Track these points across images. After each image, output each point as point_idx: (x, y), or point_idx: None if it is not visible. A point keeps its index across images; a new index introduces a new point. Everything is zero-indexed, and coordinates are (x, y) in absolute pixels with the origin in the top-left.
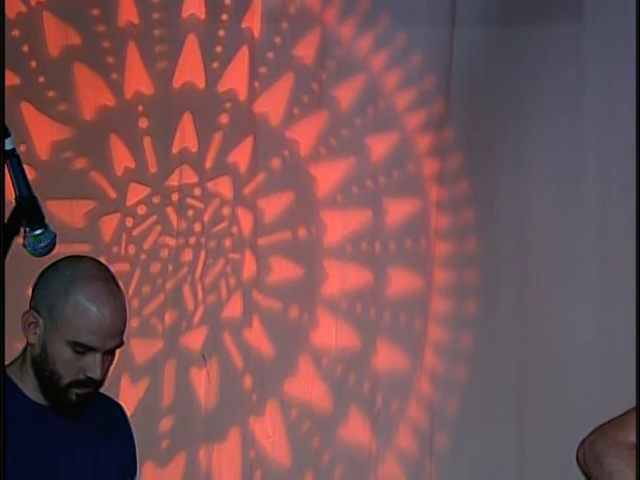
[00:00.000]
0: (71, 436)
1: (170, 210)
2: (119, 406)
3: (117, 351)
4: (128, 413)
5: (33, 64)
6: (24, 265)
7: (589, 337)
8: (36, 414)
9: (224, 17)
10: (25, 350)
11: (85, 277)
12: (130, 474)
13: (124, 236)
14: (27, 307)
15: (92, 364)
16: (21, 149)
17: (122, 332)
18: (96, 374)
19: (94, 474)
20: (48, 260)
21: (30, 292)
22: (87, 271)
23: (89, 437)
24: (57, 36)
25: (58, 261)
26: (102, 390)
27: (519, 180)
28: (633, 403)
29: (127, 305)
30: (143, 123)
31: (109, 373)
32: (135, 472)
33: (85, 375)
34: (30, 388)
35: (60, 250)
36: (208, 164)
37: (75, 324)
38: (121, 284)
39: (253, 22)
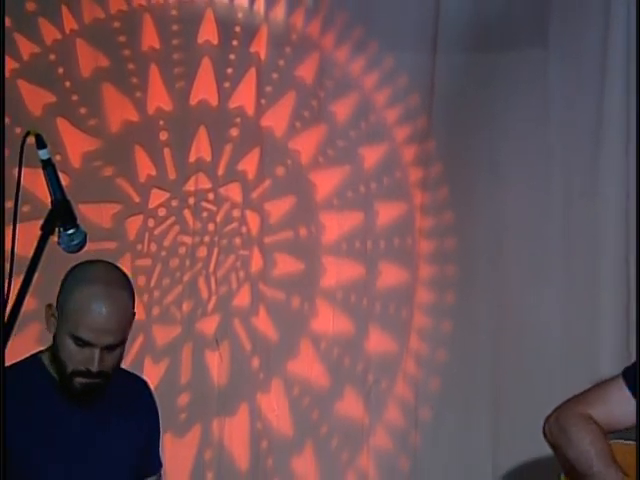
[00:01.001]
0: (88, 416)
1: (187, 212)
2: (145, 383)
3: (137, 335)
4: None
5: (67, 84)
6: (58, 260)
7: (554, 323)
8: (56, 394)
9: (234, 43)
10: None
11: (89, 279)
12: (153, 441)
13: (147, 235)
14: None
15: (90, 357)
16: (56, 159)
17: (119, 331)
18: (93, 367)
19: (110, 451)
20: (79, 256)
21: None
22: (93, 274)
23: (106, 416)
24: (88, 60)
25: (78, 264)
26: (129, 369)
27: (493, 186)
28: (591, 381)
29: (148, 297)
30: (163, 136)
31: (116, 364)
32: (158, 439)
33: (85, 367)
34: (54, 371)
35: (90, 247)
36: (220, 172)
37: (76, 320)
38: (132, 289)
39: (260, 47)
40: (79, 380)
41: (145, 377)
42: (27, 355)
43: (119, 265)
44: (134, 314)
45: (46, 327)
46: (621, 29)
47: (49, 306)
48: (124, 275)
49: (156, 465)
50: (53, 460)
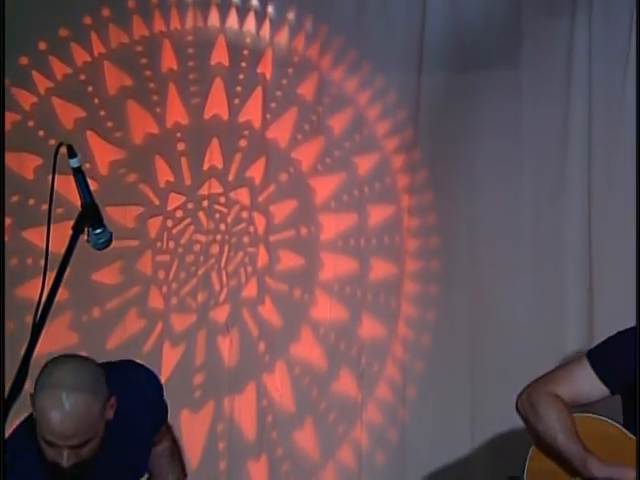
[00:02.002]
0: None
1: (201, 214)
2: (145, 375)
3: (157, 323)
4: (159, 376)
5: (96, 101)
6: (88, 256)
7: (524, 311)
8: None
9: (243, 64)
10: None
11: (52, 385)
12: (159, 425)
13: (165, 234)
14: (88, 288)
15: (58, 456)
16: (86, 167)
17: (80, 433)
18: (63, 464)
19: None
20: (105, 253)
21: (100, 278)
22: (57, 379)
23: (108, 454)
24: (114, 79)
25: (52, 359)
26: (149, 354)
27: (471, 191)
28: (557, 361)
29: (167, 289)
30: (180, 146)
31: (95, 449)
32: (164, 420)
33: (55, 461)
34: None
35: (116, 245)
36: (230, 178)
37: (40, 422)
38: (101, 387)
39: (265, 68)
40: (57, 471)
41: (162, 361)
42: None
43: (139, 261)
44: (103, 411)
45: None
46: (584, 51)
47: (32, 395)
48: (93, 373)
49: (163, 424)
50: None
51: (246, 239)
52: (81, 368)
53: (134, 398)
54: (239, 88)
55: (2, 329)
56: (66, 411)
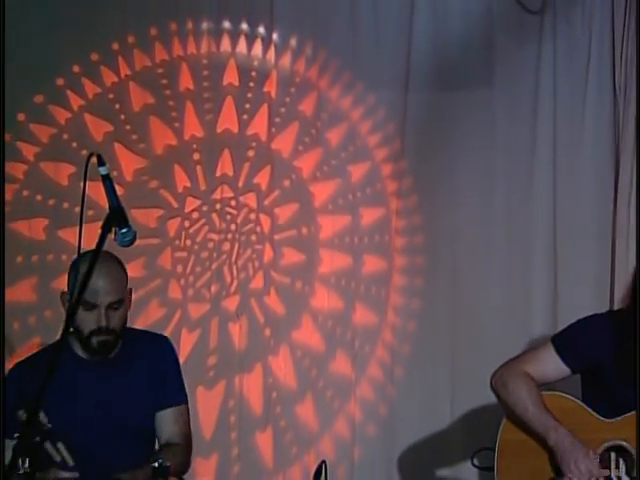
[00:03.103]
0: (111, 371)
1: (214, 215)
2: (163, 337)
3: (176, 311)
4: (175, 347)
5: (122, 117)
6: (115, 252)
7: (497, 300)
8: (79, 363)
9: (251, 84)
10: None
11: (86, 257)
12: (169, 378)
13: (183, 233)
14: None
15: (97, 316)
16: (114, 174)
17: (116, 291)
18: (102, 323)
19: (125, 401)
20: (130, 249)
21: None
22: (86, 256)
23: (121, 374)
24: (138, 98)
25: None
26: (169, 337)
27: (452, 196)
28: (526, 344)
29: (184, 282)
30: (196, 156)
31: (122, 322)
32: (177, 378)
33: (96, 325)
34: (77, 346)
35: (139, 243)
36: (240, 184)
37: (80, 287)
38: (124, 266)
39: (271, 88)
40: (95, 339)
41: (180, 344)
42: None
43: (160, 257)
44: (127, 284)
45: (63, 308)
46: (549, 74)
47: (63, 292)
48: (116, 257)
49: (175, 399)
50: (78, 412)
51: (254, 237)
52: (104, 252)
53: (155, 352)
54: (247, 105)
55: (2, 329)
56: (105, 271)
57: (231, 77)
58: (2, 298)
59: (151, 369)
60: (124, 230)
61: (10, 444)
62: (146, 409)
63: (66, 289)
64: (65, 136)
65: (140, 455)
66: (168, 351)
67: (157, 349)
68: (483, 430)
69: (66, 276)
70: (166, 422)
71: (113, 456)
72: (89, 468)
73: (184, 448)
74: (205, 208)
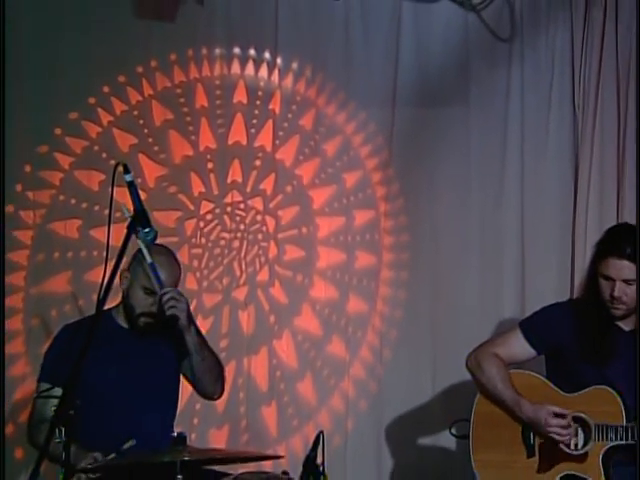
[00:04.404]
0: (142, 346)
1: (226, 217)
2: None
3: (192, 300)
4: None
5: (145, 131)
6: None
7: (473, 291)
8: (122, 332)
9: (258, 102)
10: (122, 296)
11: (155, 251)
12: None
13: (198, 232)
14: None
15: (153, 302)
16: (138, 181)
17: (173, 283)
18: (154, 309)
19: (157, 369)
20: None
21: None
22: (157, 248)
23: (155, 346)
24: (159, 114)
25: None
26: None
27: (433, 200)
28: (497, 328)
29: (200, 275)
30: (210, 165)
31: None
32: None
33: (148, 309)
34: (121, 319)
35: (160, 240)
36: (248, 189)
37: (146, 275)
38: (178, 258)
39: (275, 105)
40: (143, 319)
41: None
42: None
43: (178, 253)
44: (180, 277)
45: (119, 284)
46: (517, 93)
47: (123, 272)
48: (174, 254)
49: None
50: (115, 372)
51: (260, 236)
52: (163, 246)
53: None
54: (255, 120)
55: (2, 328)
56: (166, 263)
57: (240, 96)
58: (2, 298)
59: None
60: (147, 230)
61: (45, 407)
62: (171, 371)
63: (128, 267)
64: (96, 148)
65: (165, 416)
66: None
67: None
68: (460, 404)
69: (96, 270)
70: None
71: (143, 415)
72: (120, 425)
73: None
74: (217, 210)
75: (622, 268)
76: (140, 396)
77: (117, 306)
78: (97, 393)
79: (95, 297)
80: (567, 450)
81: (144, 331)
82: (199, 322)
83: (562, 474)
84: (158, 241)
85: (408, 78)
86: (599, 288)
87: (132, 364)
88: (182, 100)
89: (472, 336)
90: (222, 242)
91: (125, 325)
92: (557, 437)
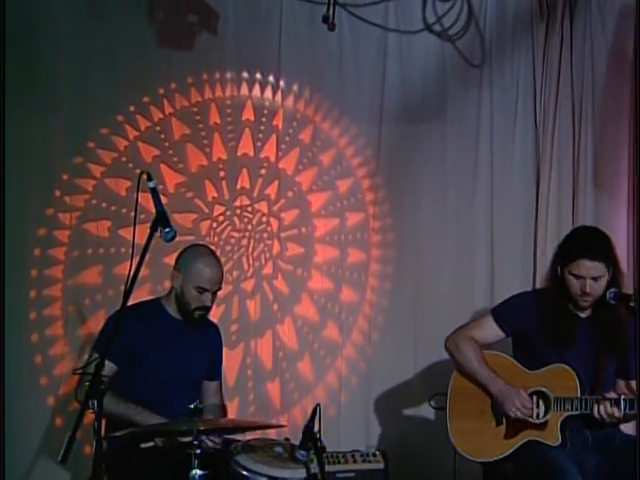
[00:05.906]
0: (190, 336)
1: (235, 218)
2: (217, 327)
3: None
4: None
5: (166, 144)
6: (160, 246)
7: (450, 282)
8: (173, 323)
9: (263, 119)
10: (171, 289)
11: (201, 252)
12: (217, 359)
13: (212, 232)
14: (162, 268)
15: (207, 298)
16: (159, 187)
17: (220, 282)
18: (208, 303)
19: (199, 356)
20: (171, 244)
21: (168, 260)
22: (202, 250)
23: (199, 338)
24: (178, 130)
25: (188, 246)
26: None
27: (414, 203)
28: (471, 315)
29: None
30: (222, 174)
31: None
32: (221, 361)
33: (202, 304)
34: (172, 309)
35: (179, 239)
36: (255, 194)
37: (199, 277)
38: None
39: (278, 121)
40: (198, 313)
41: (210, 316)
42: (147, 299)
43: None
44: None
45: (171, 281)
46: (487, 111)
47: (173, 270)
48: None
49: (217, 374)
50: (163, 357)
51: (265, 235)
52: (207, 246)
53: (212, 333)
54: (260, 135)
55: (2, 328)
56: (216, 267)
57: (248, 114)
58: (2, 298)
59: (210, 344)
60: (167, 229)
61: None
62: (204, 368)
63: (176, 266)
64: (123, 159)
65: (194, 394)
66: (219, 337)
67: (214, 331)
68: (438, 379)
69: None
70: (210, 391)
71: (174, 398)
72: (163, 399)
73: (222, 410)
74: (228, 213)
75: (593, 268)
76: (183, 377)
77: (166, 297)
78: (153, 370)
79: (122, 288)
80: (530, 419)
81: (196, 322)
82: (213, 310)
83: (526, 440)
84: (177, 239)
85: (393, 98)
86: (566, 283)
87: (183, 350)
88: (198, 117)
89: (449, 321)
90: (232, 240)
91: (177, 316)
92: (519, 414)
